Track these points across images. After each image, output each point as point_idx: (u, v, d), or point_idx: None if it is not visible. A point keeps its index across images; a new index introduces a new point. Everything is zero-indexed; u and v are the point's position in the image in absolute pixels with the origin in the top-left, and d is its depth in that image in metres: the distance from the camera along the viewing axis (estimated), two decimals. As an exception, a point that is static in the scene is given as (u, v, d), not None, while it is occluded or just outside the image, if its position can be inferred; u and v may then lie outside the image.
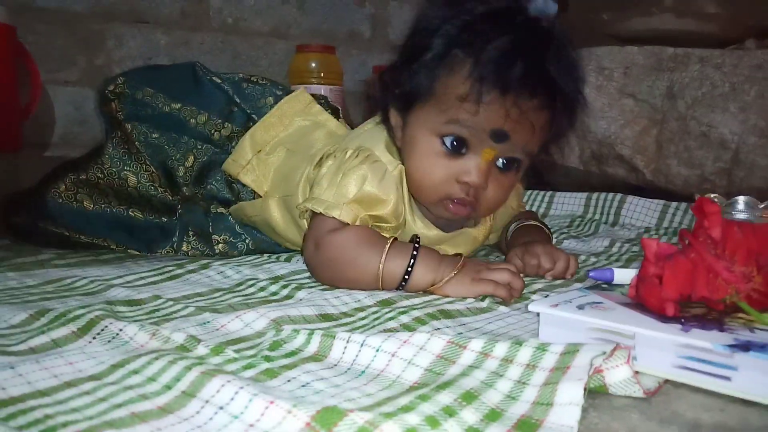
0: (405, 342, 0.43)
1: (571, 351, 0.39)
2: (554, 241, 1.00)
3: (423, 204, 0.72)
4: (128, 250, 0.90)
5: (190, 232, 0.87)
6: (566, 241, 1.00)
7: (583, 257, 0.85)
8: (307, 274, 0.72)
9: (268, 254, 0.84)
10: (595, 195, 1.26)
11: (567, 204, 1.28)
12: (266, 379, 0.40)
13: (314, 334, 0.47)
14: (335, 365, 0.43)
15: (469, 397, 0.36)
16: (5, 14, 1.26)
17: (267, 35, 1.74)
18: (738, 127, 1.20)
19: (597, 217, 1.22)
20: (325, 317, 0.55)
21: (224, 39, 1.68)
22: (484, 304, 0.60)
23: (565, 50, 0.64)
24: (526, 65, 0.60)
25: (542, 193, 1.34)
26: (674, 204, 1.15)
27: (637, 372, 0.40)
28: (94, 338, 0.48)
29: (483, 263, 0.66)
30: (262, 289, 0.65)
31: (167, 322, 0.52)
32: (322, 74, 1.59)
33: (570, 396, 0.35)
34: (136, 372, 0.40)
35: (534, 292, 0.66)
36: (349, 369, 0.42)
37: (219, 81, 0.90)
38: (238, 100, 0.89)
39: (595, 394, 0.39)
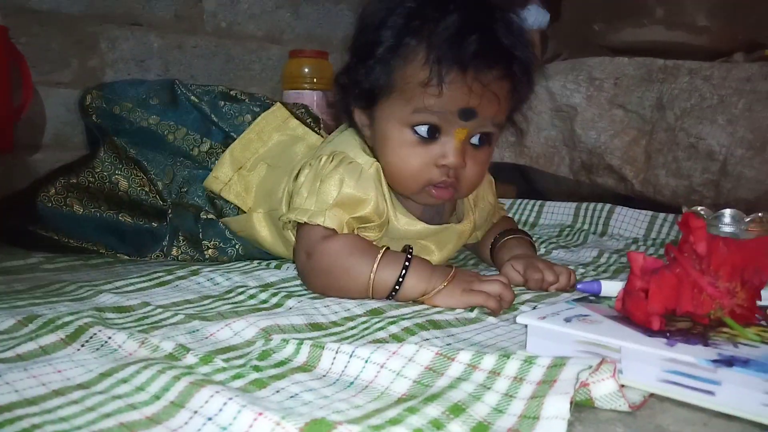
0: (394, 353, 0.44)
1: (557, 364, 0.40)
2: (543, 251, 1.01)
3: (406, 195, 0.72)
4: (118, 255, 0.90)
5: (180, 237, 0.87)
6: (555, 251, 1.01)
7: (571, 267, 0.85)
8: (297, 282, 0.72)
9: (258, 261, 0.84)
10: (584, 205, 1.27)
11: (556, 213, 1.29)
12: (255, 389, 0.40)
13: (303, 344, 0.47)
14: (324, 376, 0.43)
15: (457, 409, 0.36)
16: (-2, 15, 1.25)
17: (261, 40, 1.75)
18: (726, 139, 1.22)
19: (586, 227, 1.23)
20: (315, 326, 0.55)
21: (218, 43, 1.68)
22: (473, 314, 0.61)
23: (510, 18, 0.65)
24: (479, 39, 0.62)
25: (532, 202, 1.35)
26: (662, 215, 1.17)
27: (622, 385, 0.40)
28: (82, 346, 0.48)
29: (474, 274, 0.66)
30: (252, 296, 0.65)
31: (156, 329, 0.52)
32: (315, 79, 1.60)
33: (556, 410, 0.36)
34: (124, 381, 0.40)
35: (522, 303, 0.67)
36: (337, 380, 0.43)
37: (196, 100, 0.90)
38: (215, 120, 0.89)
39: (581, 407, 0.40)
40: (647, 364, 0.42)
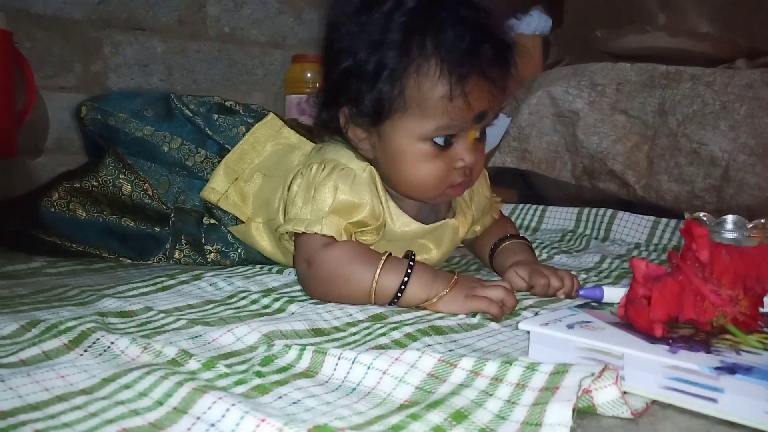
0: (396, 359, 0.44)
1: (560, 371, 0.40)
2: (545, 256, 1.01)
3: (424, 201, 0.73)
4: (120, 259, 0.90)
5: (183, 241, 0.87)
6: (557, 256, 1.01)
7: (573, 273, 0.86)
8: (299, 287, 0.72)
9: (260, 265, 0.85)
10: (586, 210, 1.27)
11: (558, 218, 1.29)
12: (257, 395, 0.40)
13: (305, 349, 0.47)
14: (326, 382, 0.43)
15: (459, 416, 0.36)
16: (2, 20, 1.26)
17: (263, 45, 1.75)
18: (728, 145, 1.22)
19: (588, 232, 1.23)
20: (317, 332, 0.55)
21: (221, 48, 1.69)
22: (475, 320, 0.61)
23: (492, 10, 0.66)
24: (490, 42, 0.63)
25: (534, 207, 1.35)
26: (664, 221, 1.17)
27: (625, 392, 0.40)
28: (85, 351, 0.48)
29: (476, 280, 0.66)
30: (254, 301, 0.65)
31: (159, 334, 0.52)
32: (317, 84, 1.60)
33: (559, 417, 0.36)
34: (127, 387, 0.40)
35: (524, 309, 0.67)
36: (340, 386, 0.43)
37: (190, 114, 0.90)
38: (210, 133, 0.89)
39: (583, 414, 0.40)
40: (649, 371, 0.42)
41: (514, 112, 1.53)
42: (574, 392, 0.37)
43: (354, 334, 0.56)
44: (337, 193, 0.67)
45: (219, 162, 0.86)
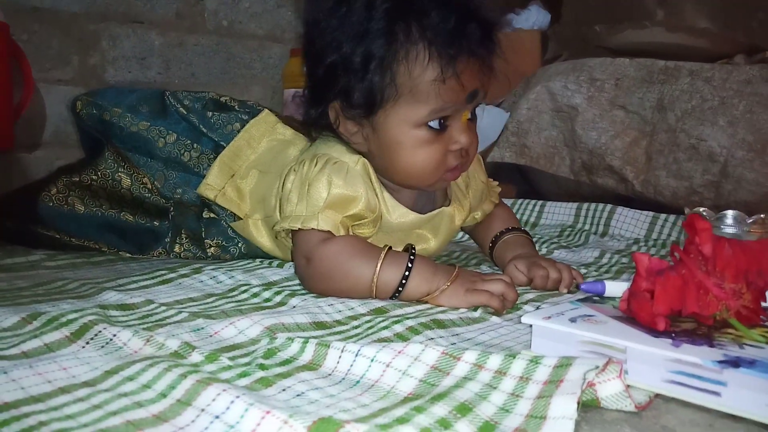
0: (399, 352, 0.44)
1: (564, 364, 0.40)
2: (545, 251, 1.01)
3: (421, 189, 0.73)
4: (120, 253, 0.90)
5: (183, 235, 0.87)
6: (557, 251, 1.01)
7: (574, 268, 0.86)
8: (300, 281, 0.72)
9: (260, 259, 0.84)
10: (585, 205, 1.27)
11: (557, 214, 1.29)
12: (261, 387, 0.40)
13: (308, 342, 0.47)
14: (330, 374, 0.43)
15: (464, 409, 0.36)
16: (-1, 12, 1.25)
17: (262, 38, 1.74)
18: (727, 141, 1.22)
19: (587, 227, 1.23)
20: (319, 325, 0.55)
21: (219, 41, 1.68)
22: (477, 314, 0.61)
23: None
24: (476, 21, 0.63)
25: (533, 202, 1.35)
26: (663, 216, 1.17)
27: (628, 386, 0.40)
28: (87, 343, 0.47)
29: (477, 274, 0.66)
30: (255, 295, 0.65)
31: (160, 327, 0.52)
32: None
33: (563, 410, 0.36)
34: (130, 379, 0.40)
35: (526, 303, 0.67)
36: (343, 379, 0.43)
37: (185, 112, 0.89)
38: (204, 131, 0.89)
39: (587, 407, 0.40)
40: (653, 365, 0.42)
41: (512, 107, 1.53)
42: (578, 385, 0.37)
43: (356, 327, 0.56)
44: (331, 188, 0.67)
45: (215, 158, 0.86)
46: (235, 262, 0.82)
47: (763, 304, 0.47)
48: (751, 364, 0.39)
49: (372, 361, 0.43)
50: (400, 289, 0.64)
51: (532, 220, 1.31)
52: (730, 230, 0.77)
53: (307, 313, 0.57)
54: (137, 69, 1.57)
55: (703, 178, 1.24)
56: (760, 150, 1.19)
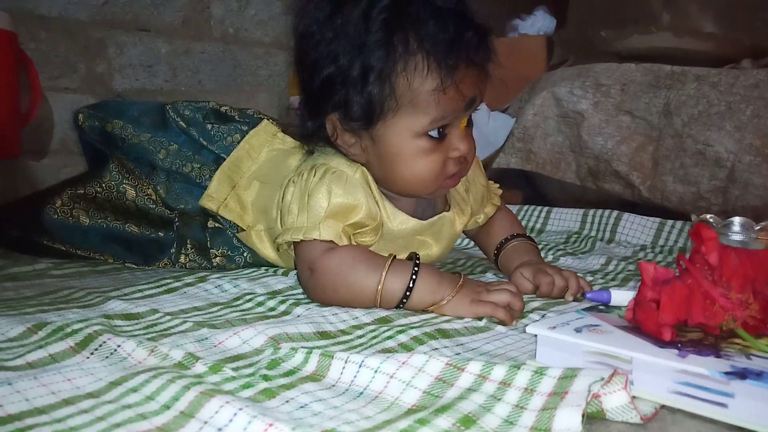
0: (403, 363, 0.43)
1: (569, 376, 0.39)
2: (551, 257, 1.00)
3: (421, 197, 0.73)
4: (126, 264, 0.90)
5: (188, 245, 0.87)
6: (563, 258, 1.00)
7: (579, 275, 0.85)
8: (305, 289, 0.72)
9: (265, 267, 0.84)
10: (591, 211, 1.26)
11: (563, 220, 1.29)
12: (264, 399, 0.40)
13: (312, 353, 0.47)
14: (333, 385, 0.43)
15: (468, 421, 0.36)
16: (7, 21, 1.26)
17: (268, 46, 1.75)
18: (734, 146, 1.21)
19: (593, 233, 1.22)
20: (323, 335, 0.55)
21: (225, 48, 1.69)
22: (482, 323, 0.61)
23: None
24: (472, 29, 0.63)
25: (539, 208, 1.34)
26: (670, 222, 1.16)
27: (633, 397, 0.40)
28: (92, 354, 0.48)
29: (482, 283, 0.66)
30: (260, 304, 0.65)
31: (165, 337, 0.52)
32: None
33: (568, 423, 0.35)
34: (134, 390, 0.40)
35: (531, 311, 0.66)
36: (347, 390, 0.43)
37: (185, 126, 0.89)
38: (205, 143, 0.89)
39: (592, 419, 0.40)
40: (659, 376, 0.42)
41: (518, 113, 1.53)
42: (583, 397, 0.37)
43: (360, 337, 0.55)
44: (332, 197, 0.67)
45: (216, 170, 0.86)
46: (239, 270, 0.82)
47: (771, 314, 0.47)
48: (758, 375, 0.39)
49: (376, 372, 0.43)
50: (405, 300, 0.63)
51: (538, 226, 1.31)
52: (737, 237, 0.77)
53: (311, 322, 0.57)
54: (144, 76, 1.58)
55: (710, 183, 1.23)
56: (768, 155, 1.18)
